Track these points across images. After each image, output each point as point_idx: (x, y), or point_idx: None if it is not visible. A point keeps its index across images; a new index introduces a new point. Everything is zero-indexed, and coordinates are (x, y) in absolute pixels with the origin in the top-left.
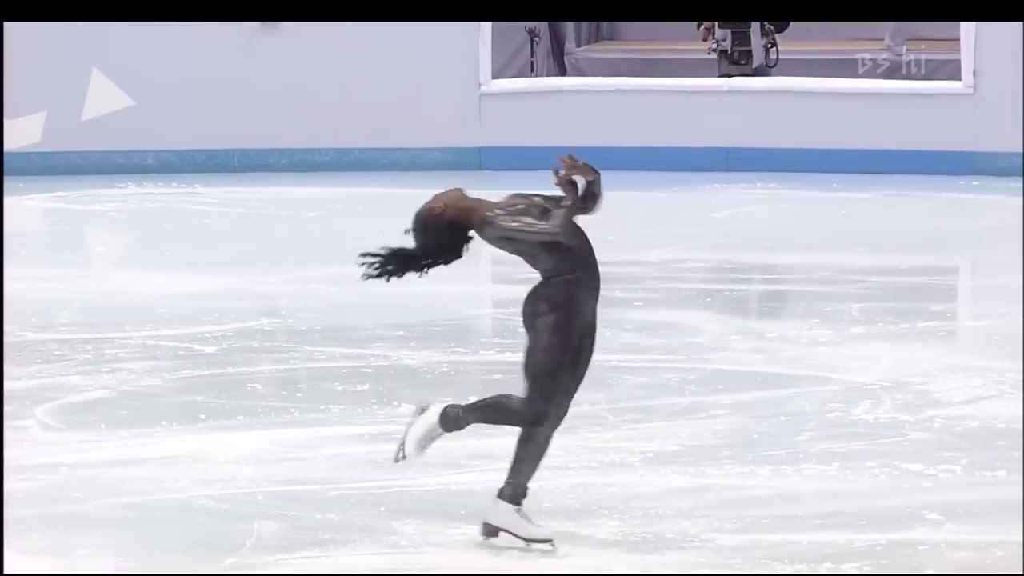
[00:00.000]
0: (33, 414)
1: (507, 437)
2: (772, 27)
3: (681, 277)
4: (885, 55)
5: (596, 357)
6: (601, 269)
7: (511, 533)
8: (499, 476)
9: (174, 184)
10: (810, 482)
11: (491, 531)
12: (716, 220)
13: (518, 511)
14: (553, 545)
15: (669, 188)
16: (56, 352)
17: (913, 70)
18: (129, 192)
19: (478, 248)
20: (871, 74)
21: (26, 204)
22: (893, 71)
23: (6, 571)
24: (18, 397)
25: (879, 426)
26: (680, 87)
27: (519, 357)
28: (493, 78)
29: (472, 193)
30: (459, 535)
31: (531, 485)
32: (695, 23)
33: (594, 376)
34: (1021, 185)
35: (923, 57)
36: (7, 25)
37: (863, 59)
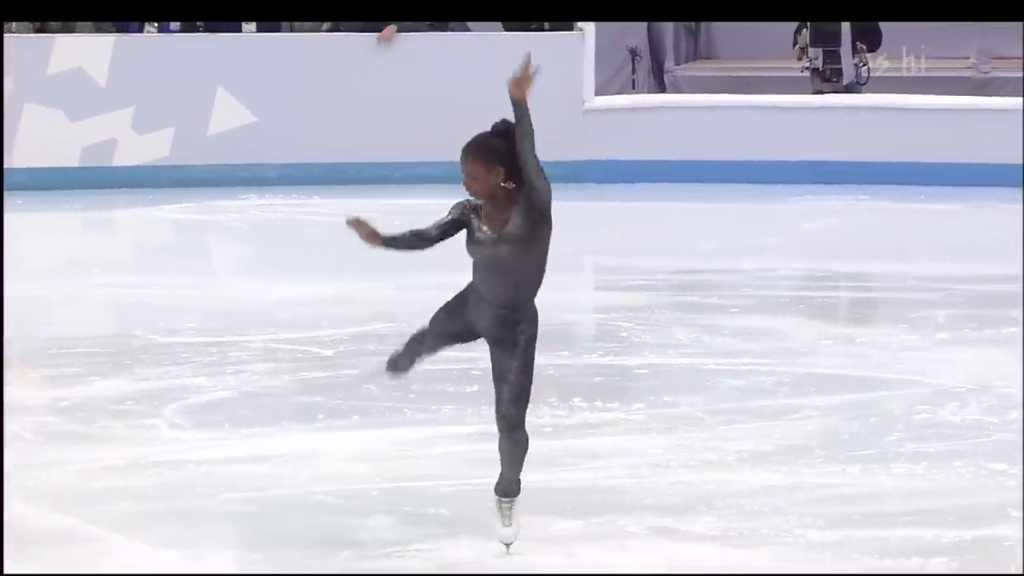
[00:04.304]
0: (161, 413)
1: (609, 437)
2: (864, 46)
3: (774, 285)
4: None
5: (694, 360)
6: (697, 277)
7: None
8: (599, 474)
9: (293, 196)
10: (898, 480)
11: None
12: (807, 230)
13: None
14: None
15: (763, 200)
16: (183, 355)
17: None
18: (251, 203)
19: (580, 256)
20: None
21: (154, 215)
22: (979, 87)
23: (6, 571)
24: (147, 397)
25: (965, 427)
26: (774, 103)
27: (621, 361)
28: (596, 95)
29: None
30: (563, 530)
31: (631, 481)
32: (791, 42)
33: (692, 379)
34: None
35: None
36: (148, 49)
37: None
